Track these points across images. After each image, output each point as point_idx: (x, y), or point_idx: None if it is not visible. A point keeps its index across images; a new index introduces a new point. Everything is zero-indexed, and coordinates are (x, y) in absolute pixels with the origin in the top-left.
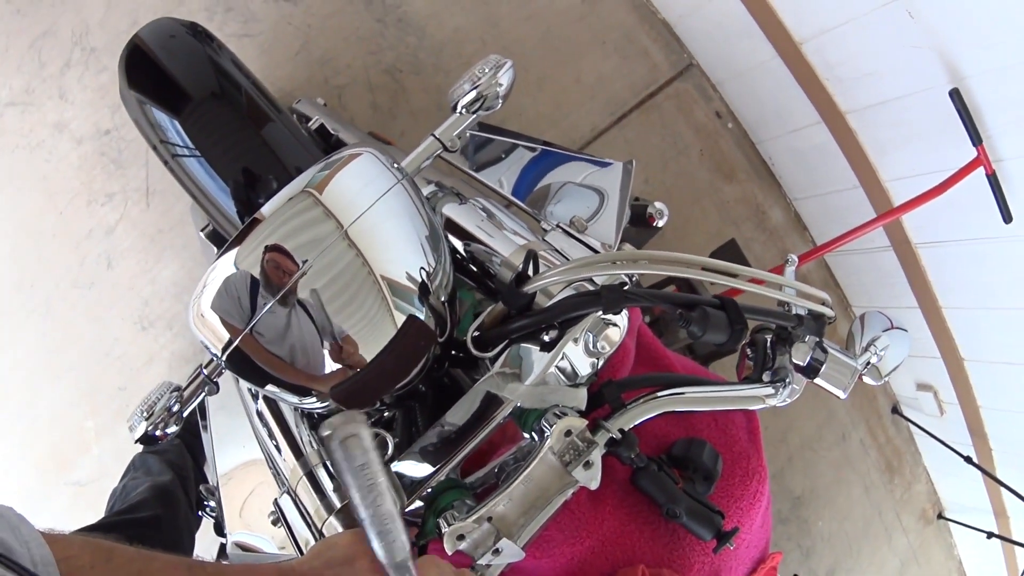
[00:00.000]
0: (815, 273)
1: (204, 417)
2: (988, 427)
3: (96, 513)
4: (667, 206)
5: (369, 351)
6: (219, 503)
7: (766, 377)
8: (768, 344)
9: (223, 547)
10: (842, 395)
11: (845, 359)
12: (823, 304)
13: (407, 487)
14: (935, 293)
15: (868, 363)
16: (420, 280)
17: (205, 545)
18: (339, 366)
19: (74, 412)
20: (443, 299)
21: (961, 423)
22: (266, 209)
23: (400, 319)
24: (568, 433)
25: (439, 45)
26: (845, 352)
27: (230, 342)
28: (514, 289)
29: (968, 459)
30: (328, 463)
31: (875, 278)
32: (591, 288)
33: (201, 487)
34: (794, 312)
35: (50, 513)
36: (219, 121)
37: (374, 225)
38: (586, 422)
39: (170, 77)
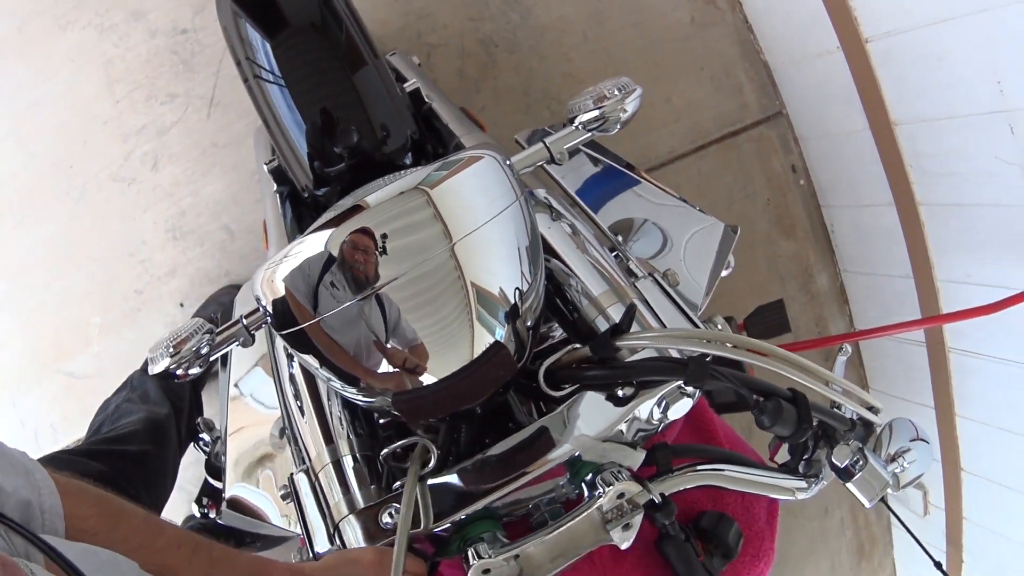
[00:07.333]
0: None
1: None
2: (967, 540)
3: (84, 409)
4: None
5: (442, 369)
6: (223, 448)
7: (802, 468)
8: (811, 437)
9: (206, 483)
10: (868, 504)
11: (880, 470)
12: (871, 410)
13: (441, 507)
14: (954, 399)
15: (893, 473)
16: (512, 302)
17: (188, 476)
18: (404, 376)
19: (84, 304)
20: (529, 324)
21: (941, 529)
22: (372, 198)
23: (482, 344)
24: (621, 496)
25: (541, 29)
26: (881, 462)
27: (295, 322)
28: (607, 341)
29: (938, 564)
30: (358, 456)
31: (900, 368)
32: (677, 356)
33: (199, 419)
34: (849, 416)
35: (37, 396)
36: (312, 55)
37: (484, 242)
38: (640, 488)
39: None
